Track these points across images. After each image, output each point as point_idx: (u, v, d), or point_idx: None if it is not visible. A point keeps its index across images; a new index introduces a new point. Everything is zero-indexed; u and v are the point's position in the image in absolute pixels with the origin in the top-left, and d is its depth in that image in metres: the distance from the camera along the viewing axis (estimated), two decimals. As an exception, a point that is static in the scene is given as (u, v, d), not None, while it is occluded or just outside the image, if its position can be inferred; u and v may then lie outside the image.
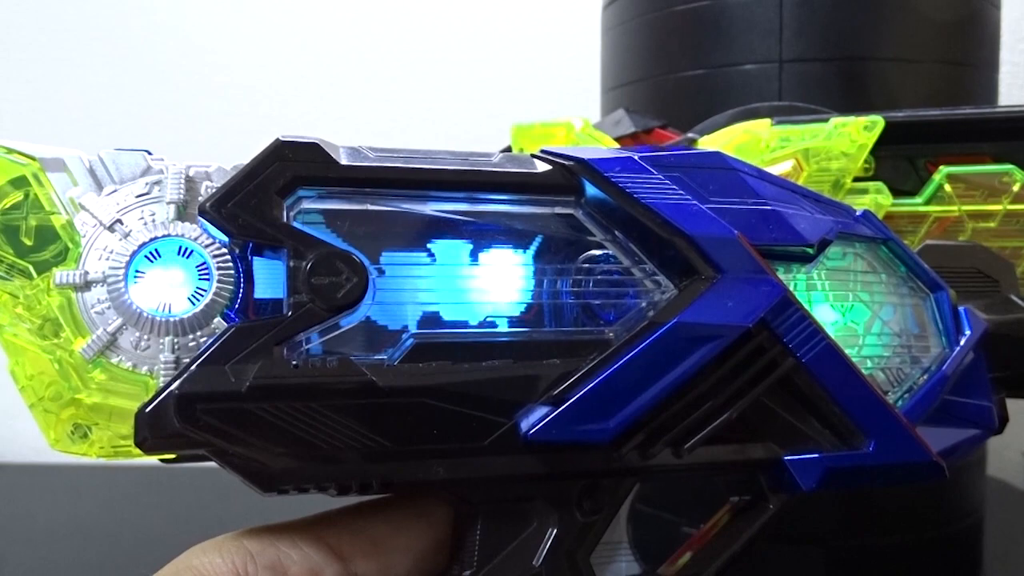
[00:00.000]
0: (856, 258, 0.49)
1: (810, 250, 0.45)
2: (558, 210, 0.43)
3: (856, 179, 0.68)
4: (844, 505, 0.79)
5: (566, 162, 0.43)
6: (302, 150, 0.39)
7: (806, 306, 0.44)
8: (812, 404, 0.44)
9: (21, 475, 1.31)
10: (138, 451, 0.38)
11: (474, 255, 0.43)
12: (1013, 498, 1.17)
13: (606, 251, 0.44)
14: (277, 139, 0.39)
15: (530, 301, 0.43)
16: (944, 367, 0.48)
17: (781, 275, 0.44)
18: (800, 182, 0.67)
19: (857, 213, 0.49)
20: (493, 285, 0.43)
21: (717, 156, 0.45)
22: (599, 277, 0.43)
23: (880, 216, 0.64)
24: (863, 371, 0.45)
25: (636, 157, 0.43)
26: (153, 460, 0.42)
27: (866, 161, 0.67)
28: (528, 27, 1.45)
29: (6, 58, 1.52)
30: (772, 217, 0.44)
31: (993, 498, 0.92)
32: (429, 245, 0.42)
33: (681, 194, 0.43)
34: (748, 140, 0.71)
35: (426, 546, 0.43)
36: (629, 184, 0.42)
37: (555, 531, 0.42)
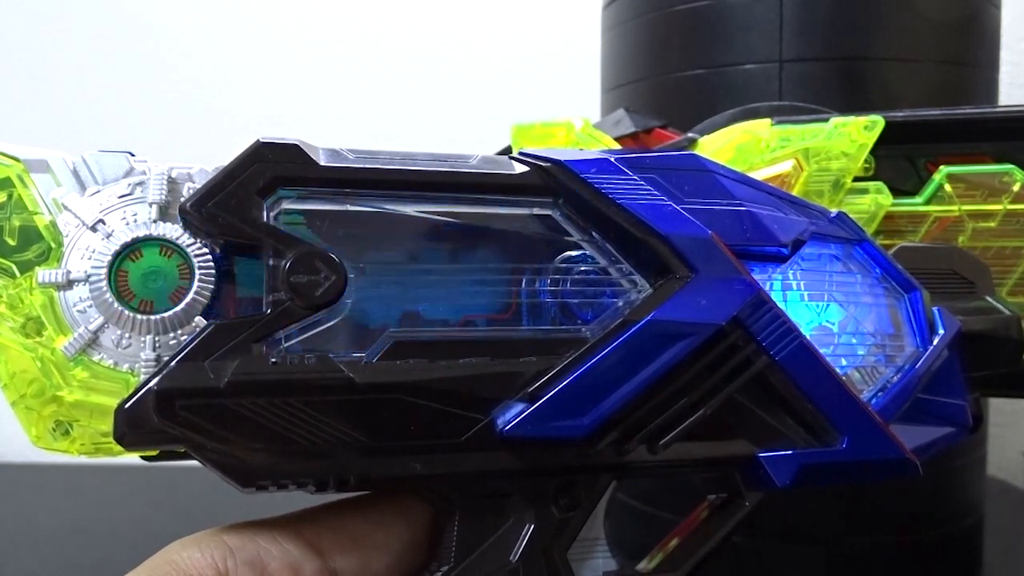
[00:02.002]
0: (831, 259, 0.49)
1: (784, 250, 0.45)
2: (536, 211, 0.44)
3: (856, 179, 0.68)
4: (844, 505, 0.79)
5: (543, 163, 0.43)
6: (282, 151, 0.40)
7: (781, 306, 0.44)
8: (786, 401, 0.45)
9: (21, 475, 1.31)
10: (119, 448, 0.38)
11: (453, 255, 0.43)
12: (1013, 498, 1.17)
13: (583, 251, 0.44)
14: (257, 140, 0.40)
15: (508, 300, 0.43)
16: (917, 366, 0.49)
17: (757, 275, 0.44)
18: (800, 182, 0.67)
19: (832, 215, 0.49)
20: (471, 285, 0.43)
21: (692, 158, 0.46)
22: (576, 277, 0.44)
23: (880, 216, 0.64)
24: (838, 370, 0.46)
25: (612, 159, 0.44)
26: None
27: (866, 161, 0.67)
28: (528, 27, 1.45)
29: (5, 57, 1.53)
30: (746, 218, 0.45)
31: (993, 498, 0.92)
32: (408, 245, 0.42)
33: (656, 195, 0.43)
34: (748, 140, 0.71)
35: (405, 542, 0.43)
36: (605, 185, 0.43)
37: (532, 527, 0.43)
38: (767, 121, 0.71)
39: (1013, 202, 0.66)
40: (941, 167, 0.68)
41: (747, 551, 0.79)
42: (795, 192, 0.67)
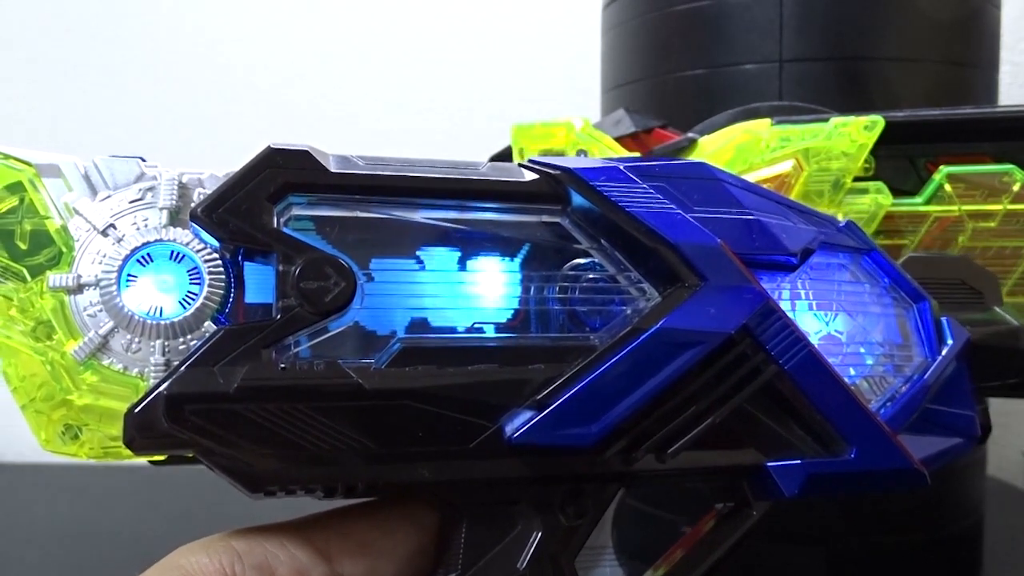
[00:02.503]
0: (839, 268, 0.49)
1: (793, 259, 0.45)
2: (545, 218, 0.44)
3: (856, 179, 0.68)
4: (844, 505, 0.79)
5: (552, 171, 0.43)
6: (292, 157, 0.40)
7: (790, 315, 0.45)
8: (794, 411, 0.45)
9: (21, 475, 1.31)
10: (128, 452, 0.38)
11: (462, 262, 0.43)
12: (1013, 498, 1.17)
13: (592, 259, 0.44)
14: (268, 146, 0.40)
15: (517, 307, 0.44)
16: (925, 376, 0.49)
17: (766, 284, 0.44)
18: (800, 182, 0.67)
19: (840, 224, 0.49)
20: (481, 292, 0.43)
21: (701, 166, 0.46)
22: (585, 284, 0.44)
23: (880, 216, 0.64)
24: (846, 380, 0.46)
25: (621, 167, 0.44)
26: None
27: (866, 161, 0.67)
28: (528, 27, 1.45)
29: (7, 58, 1.52)
30: (755, 226, 0.45)
31: (993, 498, 0.92)
32: (418, 252, 0.42)
33: (665, 203, 0.43)
34: (748, 140, 0.71)
35: (412, 549, 0.43)
36: (614, 193, 0.43)
37: (539, 535, 0.43)
38: (767, 121, 0.71)
39: (1013, 202, 0.66)
40: (941, 167, 0.68)
41: (747, 551, 0.79)
42: (795, 192, 0.67)
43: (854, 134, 0.67)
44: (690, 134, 0.76)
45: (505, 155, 0.81)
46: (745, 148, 0.70)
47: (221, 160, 0.41)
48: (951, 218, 0.67)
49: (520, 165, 0.44)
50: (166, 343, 0.39)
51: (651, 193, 0.43)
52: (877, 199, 0.67)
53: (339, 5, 1.49)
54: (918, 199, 0.68)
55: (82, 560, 1.01)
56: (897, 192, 0.68)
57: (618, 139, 0.78)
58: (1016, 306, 0.62)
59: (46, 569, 0.98)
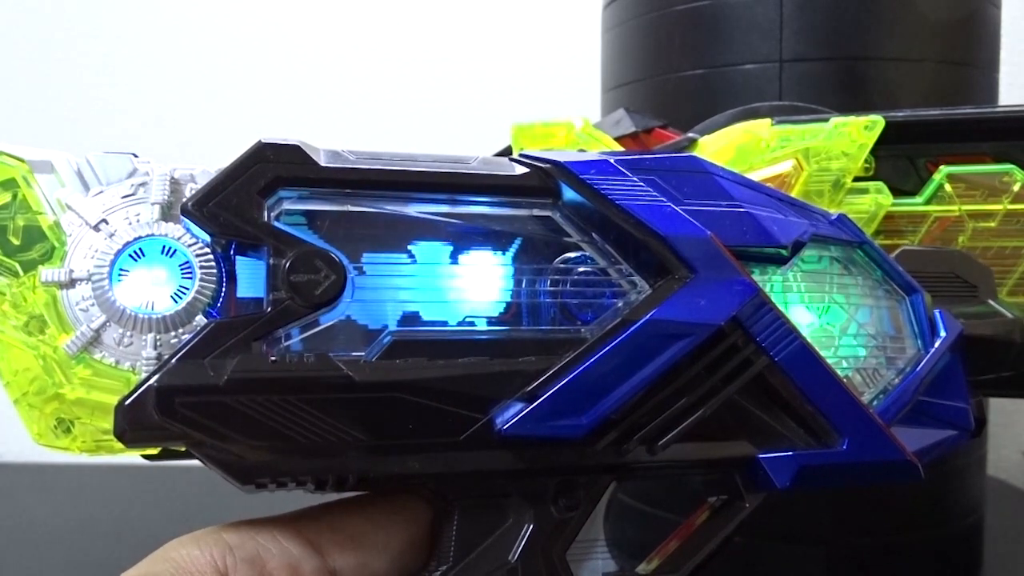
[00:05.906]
0: (831, 261, 0.49)
1: (784, 252, 0.45)
2: (536, 212, 0.44)
3: (856, 179, 0.67)
4: (844, 505, 0.79)
5: (543, 165, 0.43)
6: (283, 152, 0.40)
7: (782, 308, 0.45)
8: (786, 403, 0.45)
9: (21, 475, 1.32)
10: (120, 446, 0.39)
11: (453, 256, 0.43)
12: (1013, 498, 1.17)
13: (583, 252, 0.44)
14: (259, 141, 0.40)
15: (508, 301, 0.44)
16: (918, 368, 0.49)
17: (757, 277, 0.44)
18: (800, 182, 0.67)
19: (832, 217, 0.49)
20: (472, 285, 0.43)
21: (692, 160, 0.46)
22: (576, 278, 0.44)
23: (880, 216, 0.64)
24: (839, 372, 0.46)
25: (611, 160, 0.44)
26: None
27: (866, 161, 0.67)
28: (528, 27, 1.45)
29: (3, 57, 1.53)
30: (745, 219, 0.45)
31: (993, 498, 0.92)
32: (409, 246, 0.43)
33: (655, 196, 0.43)
34: (748, 140, 0.71)
35: (404, 542, 0.43)
36: (604, 186, 0.43)
37: (531, 527, 0.43)
38: (767, 121, 0.71)
39: (1013, 202, 0.66)
40: (941, 167, 0.68)
41: (747, 551, 0.79)
42: (795, 192, 0.67)
43: (854, 134, 0.67)
44: (690, 134, 0.76)
45: (505, 155, 0.81)
46: (745, 148, 0.70)
47: (221, 161, 0.41)
48: (951, 218, 0.67)
49: (511, 159, 0.44)
50: (158, 337, 0.40)
51: (641, 186, 0.43)
52: (877, 199, 0.67)
53: (339, 5, 1.49)
54: (918, 199, 0.68)
55: (82, 560, 1.01)
56: (897, 192, 0.68)
57: (618, 139, 0.78)
58: (1018, 306, 0.62)
59: (46, 569, 0.99)
